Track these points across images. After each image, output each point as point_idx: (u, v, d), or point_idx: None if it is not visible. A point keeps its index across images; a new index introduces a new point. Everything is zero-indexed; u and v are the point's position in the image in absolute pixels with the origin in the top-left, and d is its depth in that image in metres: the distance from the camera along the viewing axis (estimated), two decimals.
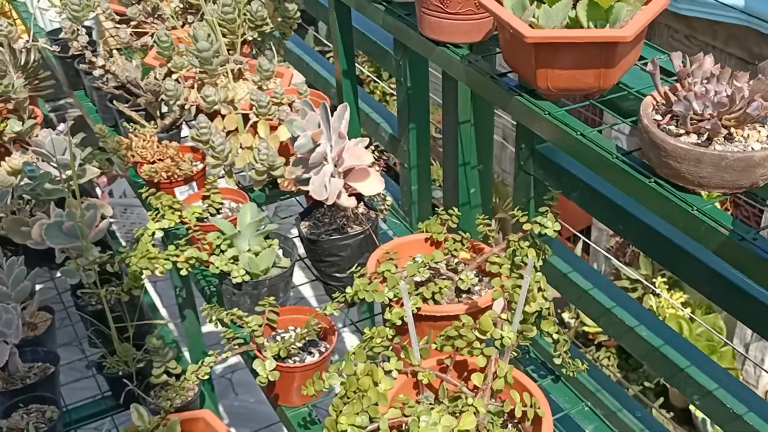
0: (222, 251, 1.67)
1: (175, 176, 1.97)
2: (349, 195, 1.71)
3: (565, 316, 5.48)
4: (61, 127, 2.82)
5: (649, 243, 1.76)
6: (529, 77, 1.54)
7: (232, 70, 2.29)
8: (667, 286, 5.20)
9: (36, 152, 2.44)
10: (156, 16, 2.61)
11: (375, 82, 6.72)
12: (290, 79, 2.35)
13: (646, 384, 5.07)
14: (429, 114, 2.73)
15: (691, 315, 4.95)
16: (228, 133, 2.10)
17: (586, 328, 5.55)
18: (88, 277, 2.11)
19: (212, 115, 2.14)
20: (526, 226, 1.59)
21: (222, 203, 1.94)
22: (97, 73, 2.38)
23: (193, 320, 2.63)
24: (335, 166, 1.68)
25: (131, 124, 2.22)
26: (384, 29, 1.89)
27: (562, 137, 1.49)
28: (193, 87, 2.29)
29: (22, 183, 2.36)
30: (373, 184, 1.69)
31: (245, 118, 2.15)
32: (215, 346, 1.72)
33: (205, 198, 1.93)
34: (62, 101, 4.38)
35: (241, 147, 2.05)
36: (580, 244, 6.54)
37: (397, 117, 2.76)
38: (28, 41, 2.65)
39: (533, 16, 1.49)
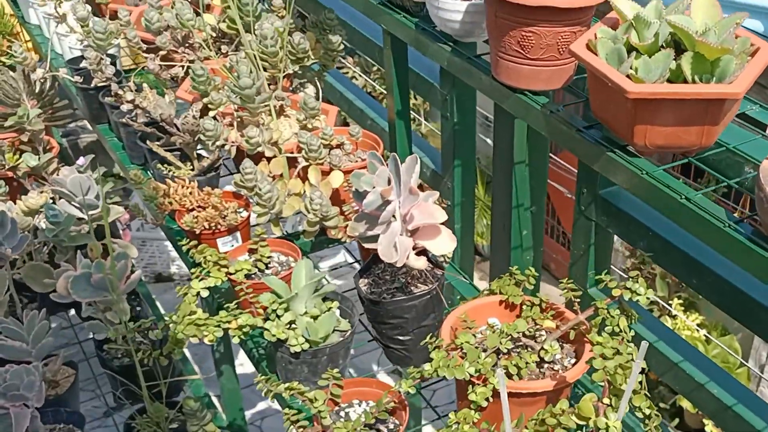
0: (278, 316, 1.58)
1: (219, 227, 1.88)
2: (417, 253, 1.62)
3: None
4: (81, 161, 2.74)
5: (728, 300, 1.69)
6: (623, 132, 1.46)
7: (275, 107, 2.21)
8: (683, 308, 5.17)
9: (57, 192, 2.36)
10: (187, 45, 2.53)
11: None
12: (335, 117, 2.27)
13: (661, 405, 5.02)
14: (475, 151, 2.66)
15: (707, 336, 4.92)
16: (274, 177, 2.01)
17: None
18: (117, 333, 2.02)
19: (255, 157, 2.06)
20: (616, 292, 1.51)
21: (270, 256, 1.86)
22: (125, 108, 2.30)
23: (231, 376, 2.54)
24: (404, 222, 1.59)
25: (165, 165, 2.13)
26: (450, 71, 1.81)
27: (662, 200, 1.41)
28: (232, 125, 2.21)
29: (43, 227, 2.27)
30: (445, 243, 1.61)
31: (291, 160, 2.07)
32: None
33: (252, 251, 1.84)
34: (73, 125, 4.30)
35: (288, 193, 1.97)
36: None
37: (441, 152, 2.69)
38: (46, 71, 2.56)
39: (631, 67, 1.41)
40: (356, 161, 2.06)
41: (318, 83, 2.42)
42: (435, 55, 1.83)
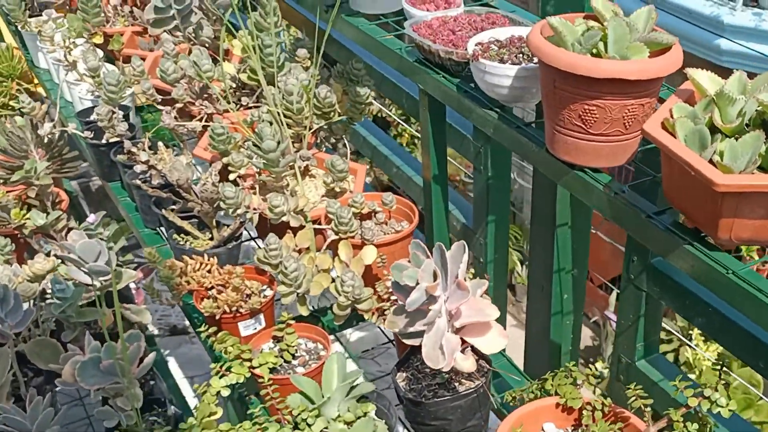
0: (308, 425, 1.39)
1: (240, 310, 1.69)
2: (463, 350, 1.43)
3: (598, 366, 5.30)
4: (91, 218, 2.56)
5: None
6: (704, 223, 1.27)
7: (299, 168, 2.02)
8: (703, 338, 4.98)
9: (65, 258, 2.17)
10: (205, 96, 2.35)
11: (402, 125, 6.47)
12: (364, 177, 2.08)
13: None
14: (509, 206, 2.47)
15: (727, 368, 4.74)
16: (300, 250, 1.82)
17: None
18: (129, 419, 1.83)
19: (279, 227, 1.87)
20: (692, 401, 1.31)
21: (297, 342, 1.66)
22: (138, 168, 2.12)
23: None
24: (450, 318, 1.40)
25: (182, 235, 1.94)
26: (497, 140, 1.62)
27: (753, 306, 1.21)
28: (253, 188, 2.02)
29: (49, 302, 2.09)
30: (495, 341, 1.42)
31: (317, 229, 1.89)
32: None
33: (277, 339, 1.65)
34: (86, 164, 4.11)
35: (316, 269, 1.78)
36: (613, 295, 6.28)
37: (473, 206, 2.50)
38: (55, 122, 2.38)
39: (715, 152, 1.22)
40: (390, 232, 1.87)
41: (345, 139, 2.24)
42: (480, 121, 1.64)
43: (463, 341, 1.47)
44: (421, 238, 2.05)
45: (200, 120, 2.33)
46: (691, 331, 4.80)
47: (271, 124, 2.13)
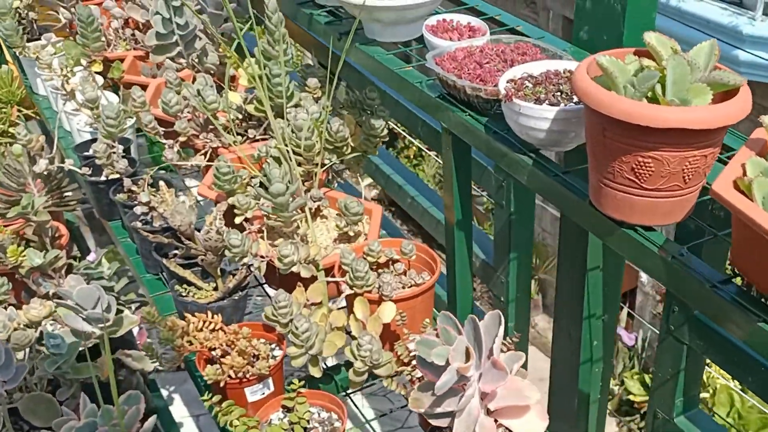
0: None
1: (248, 376, 1.47)
2: None
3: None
4: (91, 257, 2.35)
5: None
6: None
7: (311, 209, 1.81)
8: None
9: (62, 305, 1.96)
10: (209, 129, 2.13)
11: (409, 138, 6.27)
12: (379, 219, 1.86)
13: None
14: (533, 243, 2.25)
15: (743, 388, 4.55)
16: (312, 304, 1.60)
17: (630, 397, 5.30)
18: None
19: (289, 276, 1.65)
20: None
21: (310, 412, 1.45)
22: (138, 210, 1.91)
23: None
24: (483, 398, 1.18)
25: (184, 285, 1.73)
26: (532, 188, 1.40)
27: None
28: (261, 233, 1.81)
29: (44, 356, 1.88)
30: (534, 424, 1.19)
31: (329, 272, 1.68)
32: None
33: (287, 408, 1.44)
34: None
35: (330, 327, 1.56)
36: (624, 311, 6.08)
37: (493, 242, 2.28)
38: (52, 155, 2.17)
39: None
40: (410, 284, 1.65)
41: (359, 176, 2.02)
42: (512, 166, 1.42)
43: (497, 421, 1.25)
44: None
45: (204, 155, 2.11)
46: None
47: (279, 162, 1.92)
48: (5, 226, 2.59)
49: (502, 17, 1.87)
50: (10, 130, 3.14)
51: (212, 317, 1.58)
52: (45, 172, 2.44)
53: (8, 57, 3.53)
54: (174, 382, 3.12)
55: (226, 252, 1.69)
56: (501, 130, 1.46)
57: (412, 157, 8.00)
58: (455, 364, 1.14)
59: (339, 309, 1.60)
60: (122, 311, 2.10)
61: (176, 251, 1.86)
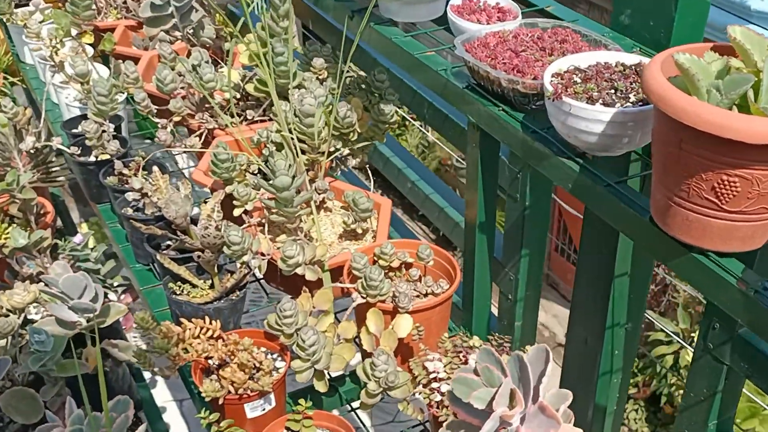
0: None
1: (249, 391, 1.24)
2: None
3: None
4: (77, 239, 2.09)
5: None
6: None
7: (315, 202, 1.56)
8: None
9: (48, 293, 1.71)
10: (205, 108, 1.87)
11: (412, 123, 5.99)
12: (389, 215, 1.62)
13: None
14: (546, 240, 2.01)
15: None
16: (318, 312, 1.37)
17: None
18: None
19: (292, 280, 1.42)
20: None
21: None
22: (130, 196, 1.65)
23: None
24: None
25: (178, 283, 1.48)
26: (579, 198, 1.16)
27: None
28: (261, 227, 1.56)
29: (27, 353, 1.64)
30: None
31: (336, 275, 1.44)
32: None
33: (291, 430, 1.20)
34: None
35: (338, 338, 1.32)
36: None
37: (503, 237, 2.04)
38: (37, 136, 1.91)
39: None
40: (425, 291, 1.41)
41: (362, 160, 1.78)
42: (553, 171, 1.18)
43: None
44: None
45: (199, 137, 1.85)
46: (693, 334, 4.38)
47: (280, 148, 1.67)
48: None
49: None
50: None
51: (210, 323, 1.33)
52: (31, 147, 2.18)
53: None
54: (157, 364, 2.88)
55: (225, 249, 1.45)
56: (540, 128, 1.22)
57: (395, 126, 7.70)
58: (500, 410, 0.91)
59: (348, 319, 1.36)
60: (109, 300, 1.86)
61: (169, 242, 1.61)
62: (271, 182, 1.44)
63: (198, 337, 1.32)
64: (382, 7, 1.56)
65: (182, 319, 1.34)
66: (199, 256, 1.49)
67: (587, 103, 1.10)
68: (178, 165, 2.15)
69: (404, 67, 1.47)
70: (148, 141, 2.53)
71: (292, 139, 1.56)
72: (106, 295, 1.87)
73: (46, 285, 2.04)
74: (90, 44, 2.23)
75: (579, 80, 1.15)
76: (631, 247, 1.60)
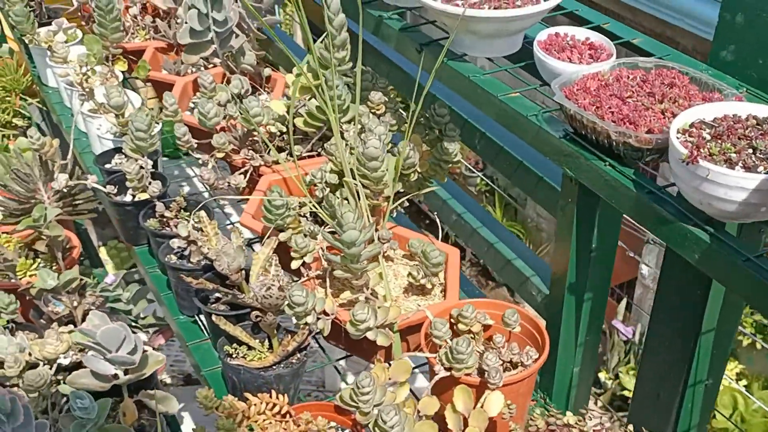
0: None
1: None
2: None
3: (602, 376, 4.77)
4: (109, 279, 1.94)
5: None
6: None
7: (382, 253, 1.41)
8: None
9: (85, 345, 1.58)
10: (248, 143, 1.72)
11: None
12: (458, 265, 1.47)
13: None
14: (610, 279, 1.85)
15: (747, 390, 4.19)
16: (395, 383, 1.21)
17: (625, 392, 4.88)
18: None
19: (357, 341, 1.27)
20: None
21: None
22: (175, 243, 1.50)
23: None
24: None
25: (234, 345, 1.33)
26: (708, 273, 1.01)
27: None
28: (321, 279, 1.41)
29: (67, 416, 1.49)
30: None
31: (405, 332, 1.29)
32: None
33: None
34: None
35: (418, 414, 1.17)
36: (623, 303, 5.73)
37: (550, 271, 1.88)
38: (69, 170, 1.75)
39: None
40: (510, 359, 1.26)
41: (436, 217, 1.62)
42: (675, 239, 1.03)
43: None
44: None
45: (244, 174, 1.70)
46: None
47: (334, 190, 1.52)
48: (8, 233, 2.17)
49: (611, 26, 1.47)
50: (14, 121, 2.70)
51: (276, 396, 1.18)
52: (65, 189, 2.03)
53: (8, 33, 3.06)
54: (183, 398, 2.72)
55: (286, 309, 1.29)
56: (657, 189, 1.07)
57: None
58: None
59: (430, 395, 1.21)
60: (146, 351, 1.71)
61: (218, 295, 1.46)
62: (338, 236, 1.29)
63: (264, 413, 1.17)
64: (457, 40, 1.41)
65: (247, 395, 1.19)
66: (258, 317, 1.33)
67: (726, 166, 0.95)
68: (218, 202, 1.99)
69: (483, 108, 1.32)
70: (180, 163, 2.38)
71: (357, 184, 1.41)
72: (145, 351, 1.74)
73: (73, 324, 1.89)
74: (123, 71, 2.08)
75: (708, 137, 1.00)
76: (721, 302, 1.45)
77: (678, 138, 1.00)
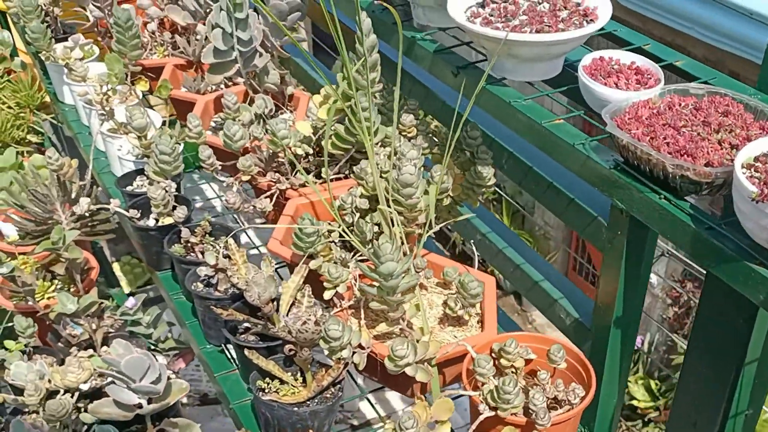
0: None
1: None
2: None
3: None
4: (130, 303, 1.89)
5: None
6: None
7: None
8: None
9: (109, 374, 1.53)
10: (274, 166, 1.67)
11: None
12: (494, 294, 1.42)
13: None
14: (642, 306, 1.80)
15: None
16: (436, 422, 1.16)
17: (634, 402, 4.88)
18: None
19: (397, 378, 1.21)
20: None
21: None
22: (203, 272, 1.45)
23: None
24: None
25: (266, 379, 1.28)
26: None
27: None
28: (354, 308, 1.36)
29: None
30: None
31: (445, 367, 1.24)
32: None
33: None
34: None
35: None
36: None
37: (594, 303, 1.83)
38: (91, 198, 1.70)
39: None
40: (554, 395, 1.21)
41: (470, 243, 1.58)
42: (737, 277, 0.98)
43: None
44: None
45: (270, 197, 1.65)
46: None
47: (364, 215, 1.48)
48: (25, 254, 2.13)
49: (652, 47, 1.42)
50: (29, 137, 2.65)
51: None
52: (74, 195, 1.98)
53: (20, 46, 3.01)
54: (199, 419, 2.66)
55: (321, 342, 1.24)
56: (717, 224, 1.02)
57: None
58: None
59: None
60: (170, 378, 1.66)
61: (247, 325, 1.41)
62: (374, 268, 1.24)
63: None
64: (496, 64, 1.36)
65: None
66: (292, 351, 1.28)
67: None
68: (242, 224, 1.94)
69: (525, 135, 1.27)
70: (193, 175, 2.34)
71: (392, 212, 1.36)
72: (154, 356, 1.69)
73: (93, 348, 1.84)
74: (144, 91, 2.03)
75: None
76: (766, 332, 1.40)
77: (744, 173, 0.95)
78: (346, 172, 1.71)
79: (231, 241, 1.45)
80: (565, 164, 1.21)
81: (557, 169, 1.69)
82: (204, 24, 2.21)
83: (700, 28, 4.00)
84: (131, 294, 2.94)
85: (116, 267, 3.15)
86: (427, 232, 1.44)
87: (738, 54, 3.68)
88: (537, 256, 2.07)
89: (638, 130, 1.09)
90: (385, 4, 1.37)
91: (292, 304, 1.41)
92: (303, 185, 1.67)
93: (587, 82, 1.22)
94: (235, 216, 1.97)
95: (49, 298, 2.00)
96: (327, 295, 1.37)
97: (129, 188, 1.77)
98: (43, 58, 2.20)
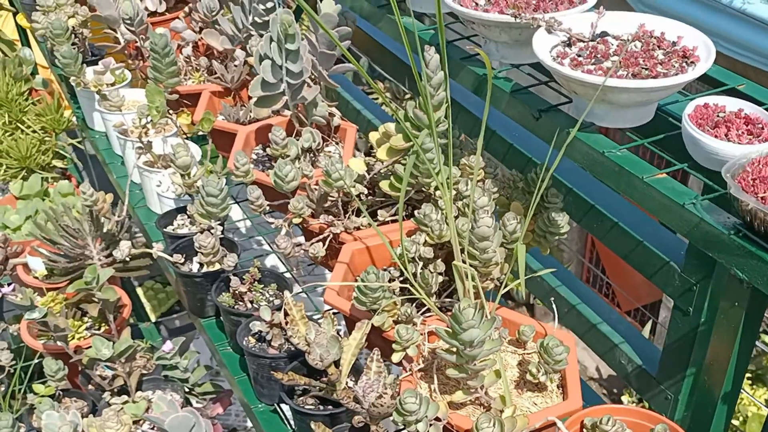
0: None
1: None
2: None
3: (625, 399, 4.58)
4: (167, 347, 1.76)
5: None
6: None
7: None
8: (749, 381, 4.15)
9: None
10: (326, 206, 1.53)
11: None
12: (575, 354, 1.28)
13: None
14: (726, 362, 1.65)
15: None
16: None
17: None
18: None
19: None
20: None
21: None
22: (256, 327, 1.31)
23: None
24: None
25: None
26: None
27: None
28: (425, 373, 1.23)
29: None
30: None
31: None
32: None
33: None
34: None
35: None
36: (648, 326, 5.53)
37: (663, 351, 1.69)
38: (132, 244, 1.57)
39: None
40: None
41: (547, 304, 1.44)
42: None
43: None
44: None
45: (323, 241, 1.52)
46: None
47: (426, 264, 1.34)
48: (54, 289, 1.99)
49: (746, 87, 1.28)
50: (54, 162, 2.51)
51: None
52: (106, 229, 1.85)
53: (41, 62, 2.87)
54: None
55: (394, 414, 1.11)
56: None
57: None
58: None
59: None
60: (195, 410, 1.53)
61: (307, 386, 1.28)
62: (454, 333, 1.11)
63: None
64: (581, 108, 1.22)
65: None
66: (361, 423, 1.14)
67: None
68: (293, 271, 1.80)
69: (627, 191, 1.13)
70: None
71: (468, 271, 1.22)
72: (189, 402, 1.56)
73: (126, 394, 1.71)
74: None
75: None
76: None
77: None
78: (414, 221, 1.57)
79: (288, 295, 1.31)
80: (671, 225, 1.07)
81: (621, 206, 1.56)
82: (242, 49, 2.08)
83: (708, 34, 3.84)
84: (157, 322, 2.81)
85: (140, 292, 3.02)
86: (505, 287, 1.30)
87: None
88: (594, 296, 1.93)
89: (766, 193, 0.96)
90: (477, 49, 1.22)
91: (355, 364, 1.27)
92: (357, 228, 1.53)
93: (695, 133, 1.09)
94: (279, 257, 1.83)
95: (79, 339, 1.87)
96: (396, 358, 1.24)
97: (170, 228, 1.63)
98: (73, 83, 2.07)
